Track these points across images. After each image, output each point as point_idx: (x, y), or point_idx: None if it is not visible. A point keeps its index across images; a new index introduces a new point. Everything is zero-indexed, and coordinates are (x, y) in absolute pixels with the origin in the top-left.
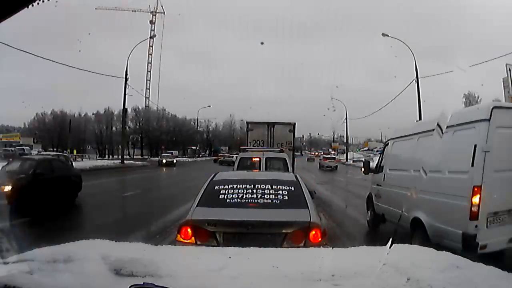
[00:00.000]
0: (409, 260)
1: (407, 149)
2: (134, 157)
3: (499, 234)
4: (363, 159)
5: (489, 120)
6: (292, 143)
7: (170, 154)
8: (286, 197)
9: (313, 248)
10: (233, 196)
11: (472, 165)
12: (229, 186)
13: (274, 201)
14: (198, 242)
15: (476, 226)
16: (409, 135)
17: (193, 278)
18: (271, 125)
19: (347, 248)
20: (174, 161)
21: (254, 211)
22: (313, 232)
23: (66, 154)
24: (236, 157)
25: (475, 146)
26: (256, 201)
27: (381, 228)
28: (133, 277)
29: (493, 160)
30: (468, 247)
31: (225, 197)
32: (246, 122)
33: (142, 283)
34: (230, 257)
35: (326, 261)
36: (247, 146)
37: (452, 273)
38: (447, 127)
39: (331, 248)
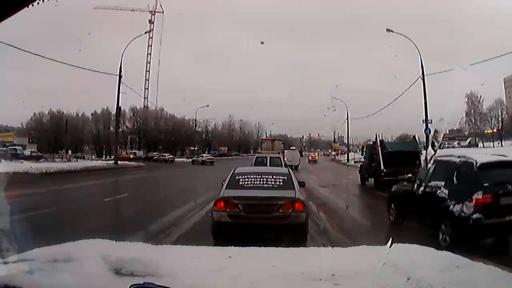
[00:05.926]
0: (409, 260)
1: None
2: (131, 157)
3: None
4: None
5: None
6: (282, 149)
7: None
8: (282, 183)
9: (313, 248)
10: (248, 182)
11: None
12: (245, 176)
13: (273, 185)
14: (227, 210)
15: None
16: (288, 150)
17: (193, 278)
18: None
19: (347, 248)
20: None
21: (261, 191)
22: (297, 203)
23: None
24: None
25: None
26: (262, 184)
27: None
28: (133, 277)
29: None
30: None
31: (243, 182)
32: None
33: (142, 282)
34: (230, 257)
35: (326, 261)
36: (261, 151)
37: (452, 273)
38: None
39: (331, 248)
